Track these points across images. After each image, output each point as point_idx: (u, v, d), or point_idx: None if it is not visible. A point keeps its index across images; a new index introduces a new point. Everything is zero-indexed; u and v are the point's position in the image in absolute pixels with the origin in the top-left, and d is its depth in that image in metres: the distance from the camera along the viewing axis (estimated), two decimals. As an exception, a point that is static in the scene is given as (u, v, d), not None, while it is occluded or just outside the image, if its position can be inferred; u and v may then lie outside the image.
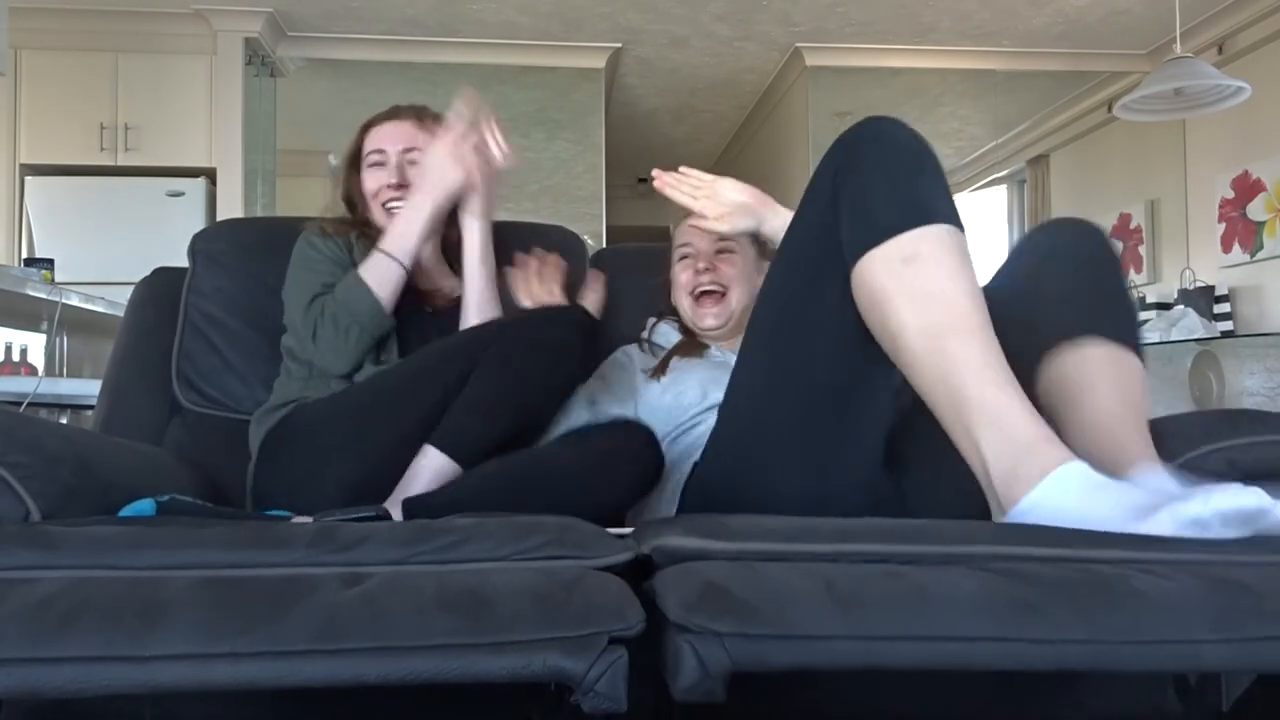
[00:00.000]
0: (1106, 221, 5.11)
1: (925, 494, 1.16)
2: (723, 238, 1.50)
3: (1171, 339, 4.21)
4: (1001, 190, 5.80)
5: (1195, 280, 4.51)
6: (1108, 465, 0.91)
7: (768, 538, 0.76)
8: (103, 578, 0.70)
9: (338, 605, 0.65)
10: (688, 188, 1.41)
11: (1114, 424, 0.94)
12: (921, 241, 0.92)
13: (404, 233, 1.36)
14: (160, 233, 4.10)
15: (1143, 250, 4.93)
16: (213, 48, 4.41)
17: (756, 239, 1.51)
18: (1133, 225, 4.97)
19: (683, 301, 1.56)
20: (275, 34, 4.56)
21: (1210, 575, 0.70)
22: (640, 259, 1.74)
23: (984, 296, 1.07)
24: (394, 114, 1.50)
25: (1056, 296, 1.07)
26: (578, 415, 1.38)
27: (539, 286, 1.53)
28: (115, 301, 2.86)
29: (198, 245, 1.60)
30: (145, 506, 1.04)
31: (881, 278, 0.93)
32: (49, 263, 3.17)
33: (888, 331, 0.94)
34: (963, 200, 5.76)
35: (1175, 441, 1.04)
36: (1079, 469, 0.82)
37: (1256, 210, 4.25)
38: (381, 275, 1.34)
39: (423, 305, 1.44)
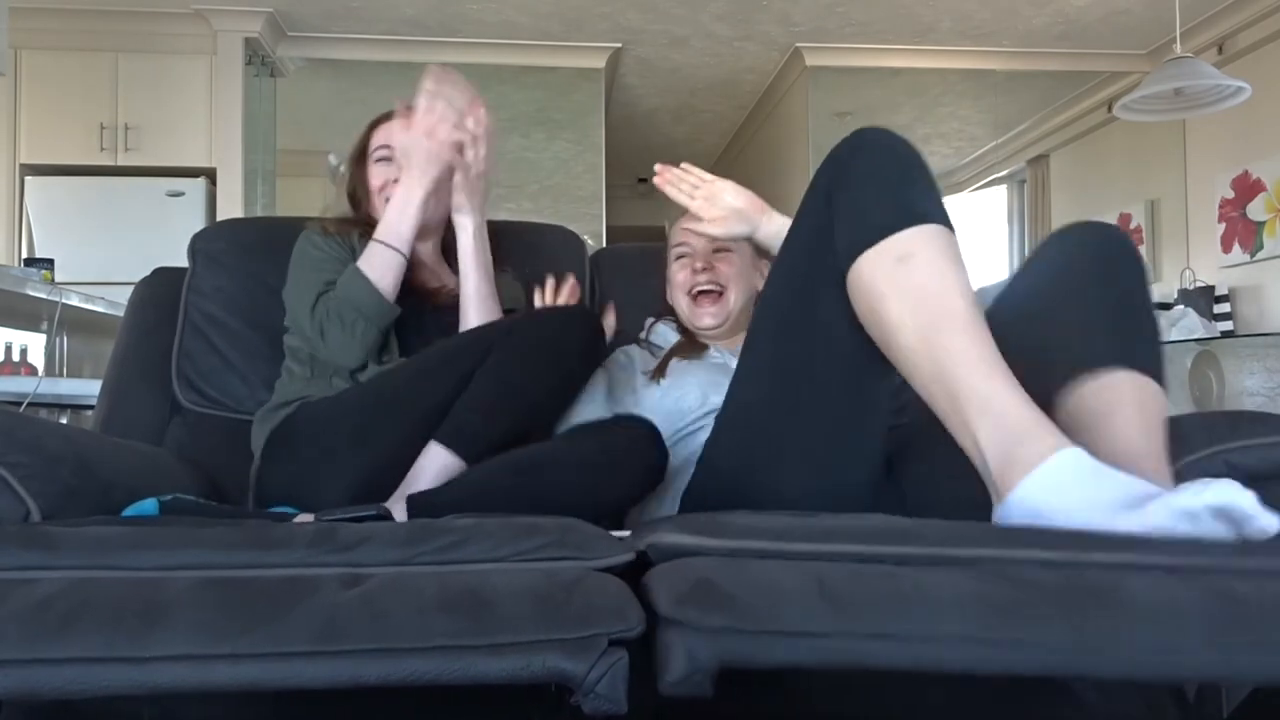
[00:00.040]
0: (1107, 221, 5.10)
1: (926, 494, 1.16)
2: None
3: (1171, 339, 4.21)
4: (1001, 190, 5.80)
5: (1195, 280, 4.52)
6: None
7: (761, 535, 0.76)
8: (103, 578, 0.70)
9: (338, 606, 0.65)
10: (687, 186, 1.41)
11: (1135, 456, 0.92)
12: (913, 241, 0.94)
13: (398, 220, 1.36)
14: (160, 233, 4.10)
15: (1143, 250, 4.93)
16: (213, 48, 4.41)
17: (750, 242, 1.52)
18: (1133, 225, 4.98)
19: (680, 301, 1.56)
20: (275, 34, 4.57)
21: (1203, 584, 0.70)
22: (639, 259, 1.74)
23: (1000, 306, 1.08)
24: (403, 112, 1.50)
25: (1076, 317, 1.02)
26: (587, 413, 1.38)
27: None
28: (115, 301, 2.86)
29: (198, 245, 1.60)
30: (149, 506, 1.04)
31: (876, 278, 0.95)
32: (49, 263, 3.17)
33: (883, 331, 0.95)
34: (963, 200, 5.77)
35: (1176, 444, 1.04)
36: (1074, 455, 0.82)
37: (1256, 210, 4.25)
38: (380, 265, 1.33)
39: (423, 303, 1.45)
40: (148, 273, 1.66)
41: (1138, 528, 0.76)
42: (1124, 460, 0.91)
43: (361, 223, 1.47)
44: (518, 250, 1.62)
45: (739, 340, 1.28)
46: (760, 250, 1.54)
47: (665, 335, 1.59)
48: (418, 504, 1.12)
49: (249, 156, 4.47)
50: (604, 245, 2.85)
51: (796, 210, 1.10)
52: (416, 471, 1.19)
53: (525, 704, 0.85)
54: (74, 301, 2.82)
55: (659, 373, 1.48)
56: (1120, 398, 0.97)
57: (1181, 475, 0.96)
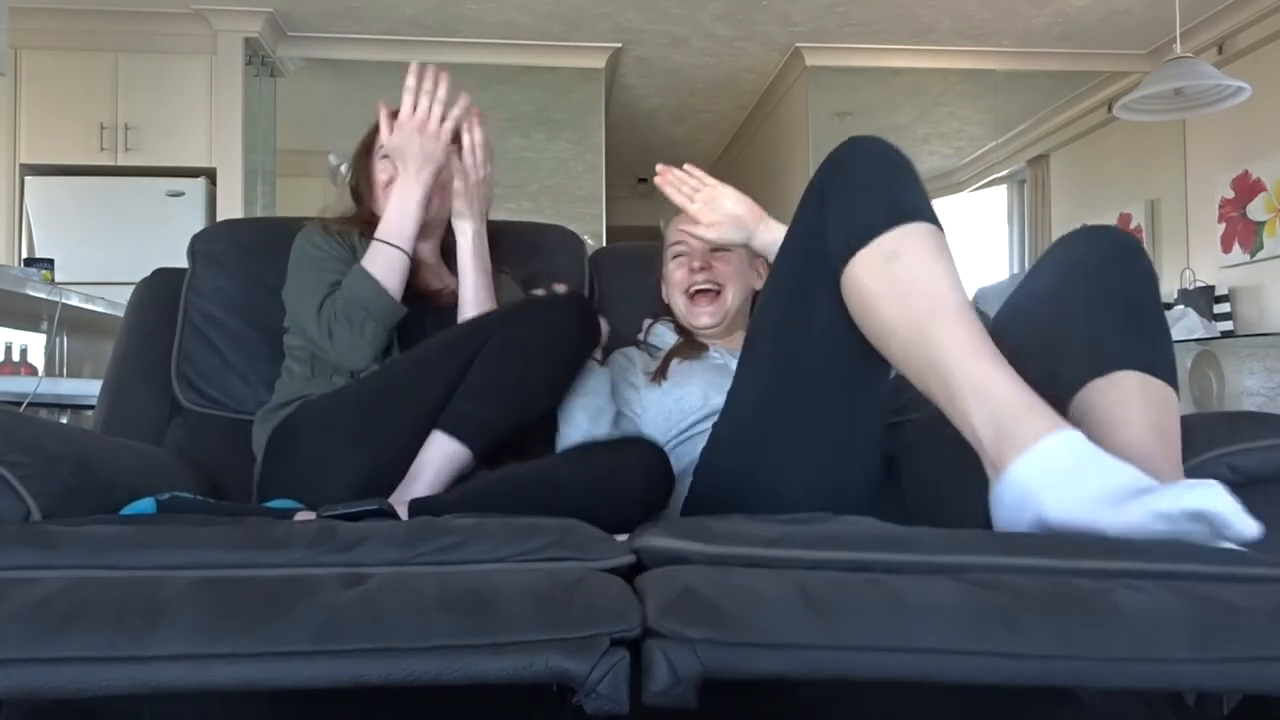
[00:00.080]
0: (1106, 221, 5.11)
1: (926, 494, 1.16)
2: None
3: (1171, 339, 4.21)
4: (1001, 190, 5.80)
5: (1195, 280, 4.52)
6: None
7: (749, 541, 0.76)
8: (102, 578, 0.70)
9: (338, 606, 0.65)
10: (688, 189, 1.41)
11: (1146, 456, 0.92)
12: (902, 239, 0.96)
13: (399, 219, 1.36)
14: (160, 233, 4.10)
15: (1143, 250, 4.93)
16: (213, 48, 4.41)
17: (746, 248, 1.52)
18: (1133, 225, 4.98)
19: (677, 300, 1.56)
20: (275, 34, 4.57)
21: (1192, 592, 0.69)
22: (639, 259, 1.74)
23: (1008, 311, 1.10)
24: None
25: (1085, 320, 1.03)
26: (591, 407, 1.37)
27: None
28: (115, 301, 2.86)
29: (197, 245, 1.60)
30: (146, 505, 1.04)
31: (867, 277, 0.97)
32: (49, 263, 3.17)
33: (877, 328, 0.98)
34: (963, 200, 5.77)
35: (1178, 447, 1.04)
36: (1069, 437, 0.84)
37: (1256, 210, 4.25)
38: (384, 264, 1.33)
39: (425, 304, 1.44)
40: (148, 273, 1.66)
41: (1117, 527, 0.77)
42: (1136, 461, 0.91)
43: (362, 221, 1.47)
44: (518, 250, 1.62)
45: (737, 340, 1.28)
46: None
47: (663, 336, 1.59)
48: (419, 510, 1.11)
49: (249, 156, 4.47)
50: (604, 245, 2.85)
51: (793, 215, 1.13)
52: (421, 461, 1.20)
53: (527, 704, 0.85)
54: (74, 301, 2.82)
55: (660, 374, 1.48)
56: (1129, 398, 0.97)
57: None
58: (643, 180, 6.96)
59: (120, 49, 4.38)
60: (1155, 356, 1.00)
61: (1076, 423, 0.96)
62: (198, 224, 4.07)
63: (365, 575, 0.70)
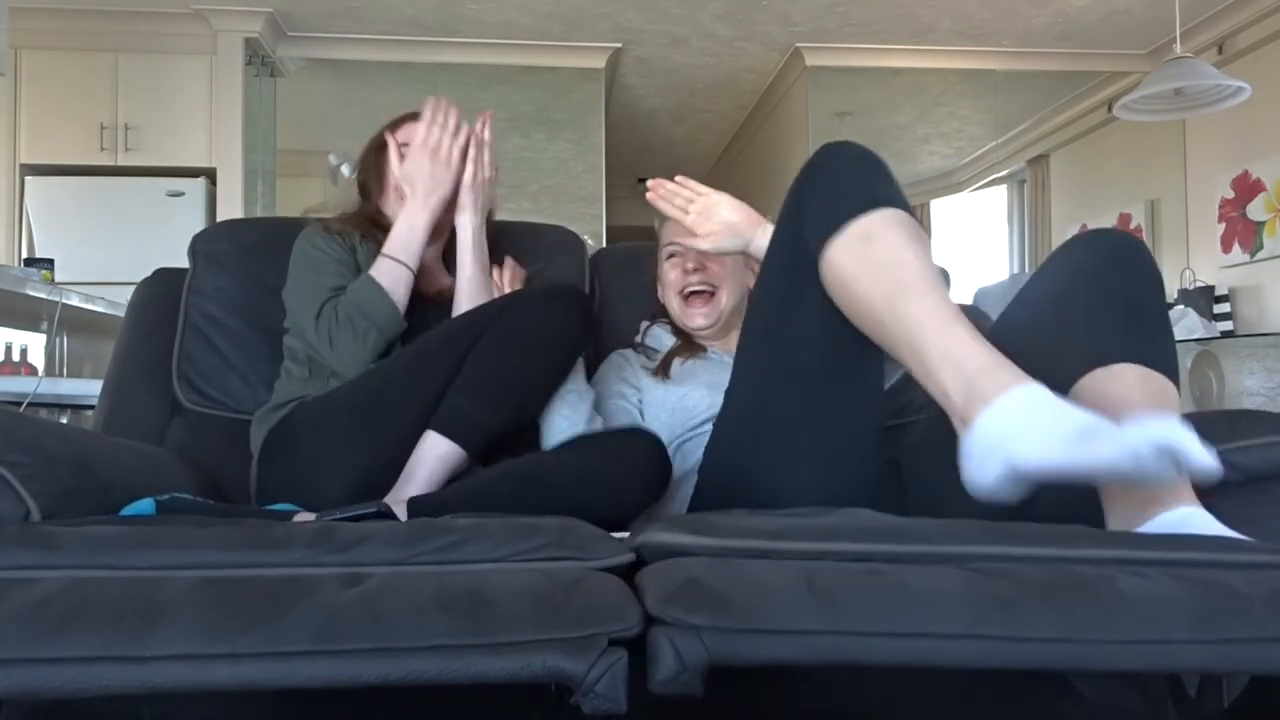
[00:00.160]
0: (1106, 221, 5.11)
1: (927, 494, 1.17)
2: None
3: (1174, 338, 4.21)
4: (1001, 190, 5.80)
5: (1195, 280, 4.52)
6: (1142, 500, 0.92)
7: (751, 535, 0.76)
8: (102, 578, 0.70)
9: (337, 606, 0.65)
10: (681, 200, 1.40)
11: None
12: (874, 223, 1.01)
13: (406, 239, 1.39)
14: (160, 233, 4.10)
15: (1143, 250, 4.92)
16: (213, 48, 4.41)
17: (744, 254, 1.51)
18: (1133, 225, 4.98)
19: (671, 301, 1.56)
20: (275, 34, 4.57)
21: (1192, 577, 0.71)
22: (639, 259, 1.74)
23: (1012, 312, 1.13)
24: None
25: (1087, 317, 1.04)
26: (563, 403, 1.36)
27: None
28: (115, 301, 2.87)
29: (198, 245, 1.60)
30: (145, 506, 1.04)
31: (842, 259, 1.02)
32: (49, 263, 3.17)
33: (855, 308, 1.02)
34: (963, 200, 5.77)
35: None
36: (1032, 390, 0.86)
37: (1256, 210, 4.25)
38: (392, 279, 1.35)
39: (427, 307, 1.45)
40: (148, 273, 1.66)
41: (1085, 463, 0.78)
42: None
43: (366, 219, 1.48)
44: (517, 250, 1.62)
45: (734, 340, 1.29)
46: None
47: (660, 338, 1.59)
48: (418, 510, 1.11)
49: (249, 156, 4.47)
50: (604, 245, 2.85)
51: (778, 217, 1.18)
52: (415, 461, 1.20)
53: (525, 704, 0.85)
54: (74, 301, 2.82)
55: (663, 372, 1.48)
56: (1130, 390, 0.98)
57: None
58: (643, 180, 6.92)
59: (120, 49, 4.38)
60: (1156, 354, 1.00)
61: None
62: (198, 224, 4.07)
63: (365, 575, 0.70)
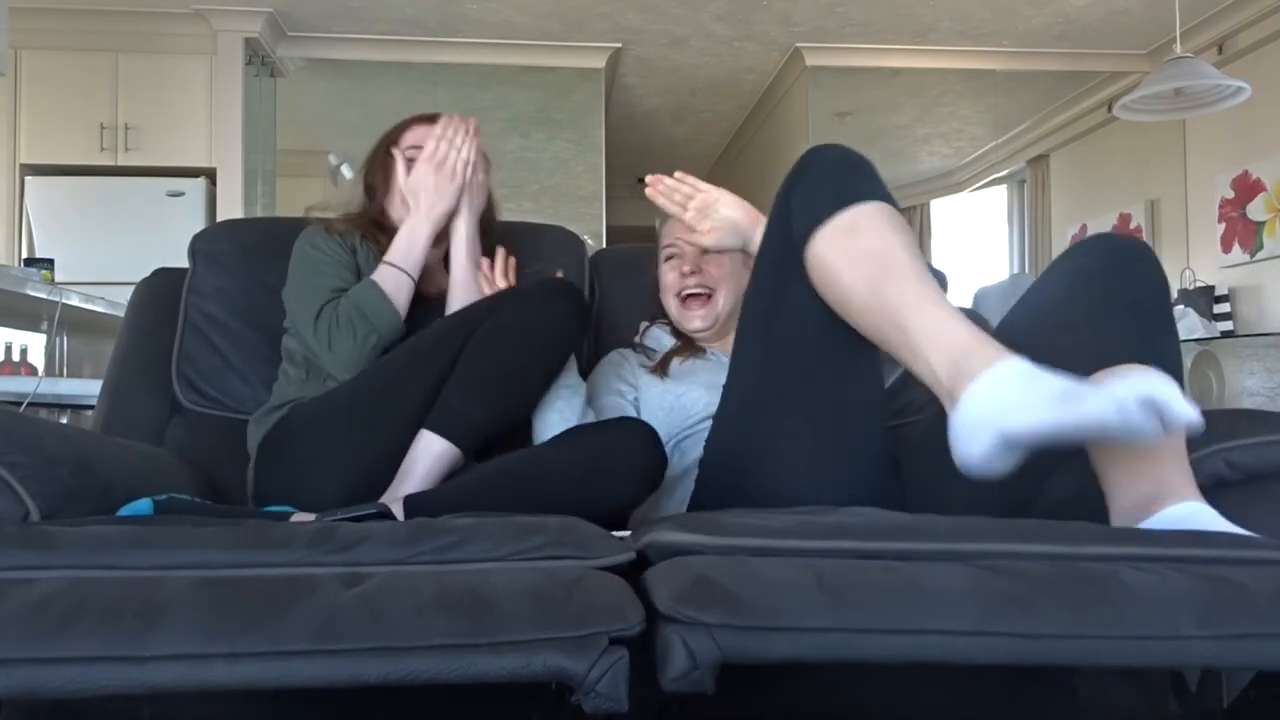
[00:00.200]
0: (1106, 221, 5.11)
1: (928, 495, 1.16)
2: None
3: (1178, 340, 4.21)
4: (1001, 190, 5.80)
5: (1195, 280, 4.52)
6: (1146, 497, 0.92)
7: (759, 533, 0.76)
8: (101, 578, 0.70)
9: (337, 605, 0.65)
10: (680, 197, 1.40)
11: (1152, 455, 0.93)
12: (858, 215, 1.03)
13: (408, 249, 1.40)
14: (160, 233, 4.10)
15: (1143, 250, 4.92)
16: (213, 48, 4.41)
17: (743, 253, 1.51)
18: (1133, 225, 4.97)
19: (669, 303, 1.56)
20: (275, 34, 4.57)
21: (1200, 572, 0.71)
22: (639, 259, 1.74)
23: (1017, 315, 1.14)
24: (438, 119, 1.51)
25: (1090, 319, 1.04)
26: (571, 406, 1.35)
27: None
28: (115, 301, 2.86)
29: (198, 245, 1.60)
30: (143, 506, 1.04)
31: (826, 250, 1.03)
32: (49, 263, 3.17)
33: (842, 298, 1.03)
34: (963, 200, 5.77)
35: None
36: (1015, 362, 0.87)
37: (1256, 210, 4.25)
38: (394, 285, 1.36)
39: (428, 308, 1.45)
40: (148, 273, 1.66)
41: (1074, 420, 0.79)
42: (1138, 456, 0.92)
43: (369, 219, 1.48)
44: (517, 250, 1.62)
45: (731, 341, 1.28)
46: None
47: (659, 339, 1.59)
48: (415, 507, 1.11)
49: (249, 156, 4.47)
50: (604, 245, 2.86)
51: (767, 219, 1.19)
52: (410, 461, 1.20)
53: (525, 703, 0.85)
54: (74, 301, 2.82)
55: (661, 370, 1.48)
56: None
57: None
58: (642, 180, 6.93)
59: (120, 49, 4.38)
60: (1160, 357, 1.00)
61: None
62: (198, 224, 4.07)
63: (364, 575, 0.70)
